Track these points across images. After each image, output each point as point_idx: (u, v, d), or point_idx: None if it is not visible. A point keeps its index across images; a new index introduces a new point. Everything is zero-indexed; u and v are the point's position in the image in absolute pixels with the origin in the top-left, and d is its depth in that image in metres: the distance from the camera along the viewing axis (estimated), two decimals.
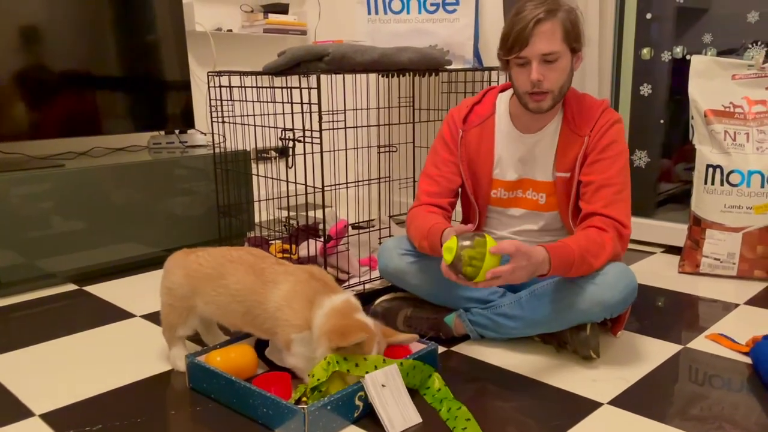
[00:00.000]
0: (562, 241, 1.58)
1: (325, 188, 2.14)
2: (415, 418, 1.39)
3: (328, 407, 1.32)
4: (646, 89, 2.83)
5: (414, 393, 1.48)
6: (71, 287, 2.39)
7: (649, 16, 2.77)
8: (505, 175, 1.80)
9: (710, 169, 2.34)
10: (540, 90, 1.62)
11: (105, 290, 2.35)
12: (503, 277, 1.45)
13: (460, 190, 1.89)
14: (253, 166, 3.11)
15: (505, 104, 1.81)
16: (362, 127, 2.34)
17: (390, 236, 2.49)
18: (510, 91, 1.81)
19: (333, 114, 2.25)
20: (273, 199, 2.81)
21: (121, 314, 2.11)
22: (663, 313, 2.03)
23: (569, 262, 1.54)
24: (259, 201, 2.73)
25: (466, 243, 1.46)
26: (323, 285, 1.49)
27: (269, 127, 2.39)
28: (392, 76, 2.42)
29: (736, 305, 2.09)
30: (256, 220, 3.00)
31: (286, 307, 1.44)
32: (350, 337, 1.36)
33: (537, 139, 1.76)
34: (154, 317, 2.05)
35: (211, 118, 2.60)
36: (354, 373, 1.37)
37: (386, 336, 1.50)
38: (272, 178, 2.60)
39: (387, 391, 1.38)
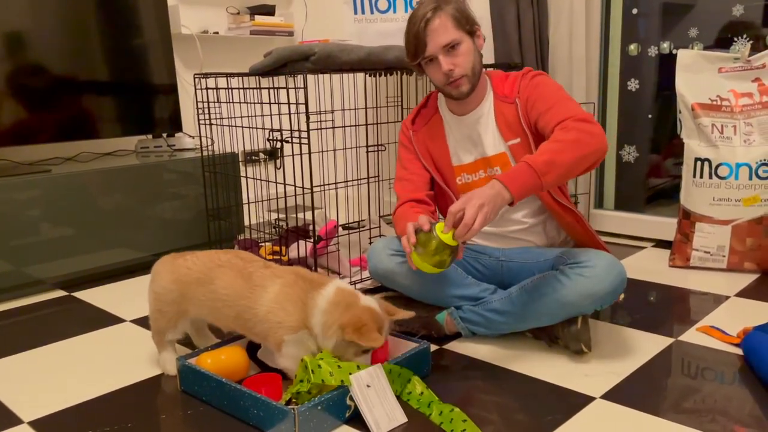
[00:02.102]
0: (525, 157, 1.55)
1: (315, 189, 2.13)
2: (401, 418, 1.38)
3: (319, 407, 1.31)
4: (633, 84, 2.83)
5: (398, 399, 1.47)
6: (60, 293, 2.37)
7: (635, 11, 2.78)
8: (462, 159, 1.86)
9: (698, 163, 2.35)
10: (454, 78, 1.71)
11: (94, 296, 2.33)
12: (463, 221, 1.44)
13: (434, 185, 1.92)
14: (242, 168, 3.10)
15: (444, 100, 1.91)
16: (350, 126, 2.33)
17: (380, 236, 2.48)
18: None
19: (321, 114, 2.24)
20: (262, 201, 2.80)
21: (110, 319, 2.09)
22: (654, 306, 2.04)
23: (528, 168, 1.50)
24: (249, 203, 2.72)
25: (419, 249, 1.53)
26: (309, 283, 1.48)
27: (257, 128, 2.37)
28: (380, 75, 2.42)
29: (727, 297, 2.09)
30: (246, 222, 2.98)
31: (278, 309, 1.44)
32: (368, 339, 1.38)
33: (476, 117, 1.83)
34: (143, 322, 2.04)
35: (199, 120, 2.59)
36: (329, 383, 1.35)
37: (389, 314, 1.49)
38: (261, 180, 2.59)
39: (372, 391, 1.37)
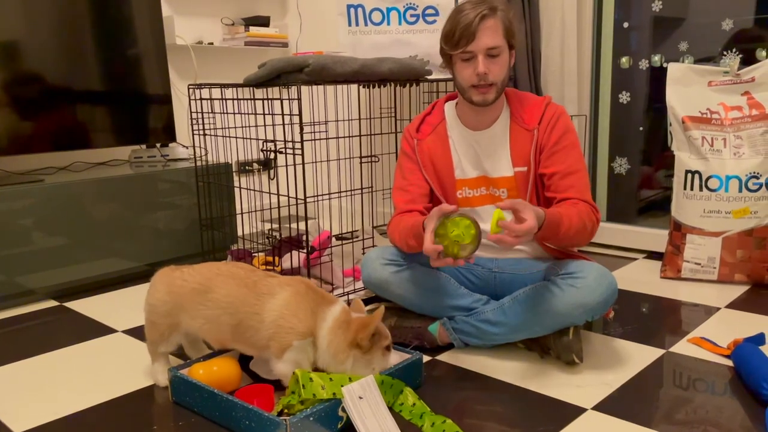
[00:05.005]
0: (557, 209, 1.64)
1: (308, 199, 2.14)
2: (394, 430, 1.38)
3: (311, 418, 1.31)
4: (624, 97, 2.86)
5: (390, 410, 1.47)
6: (52, 303, 2.36)
7: (626, 25, 2.80)
8: (466, 173, 1.85)
9: (689, 175, 2.37)
10: (486, 82, 1.70)
11: (86, 306, 2.32)
12: (511, 229, 1.46)
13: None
14: (236, 178, 3.10)
15: (453, 110, 1.89)
16: (344, 137, 2.34)
17: (373, 246, 2.49)
18: (456, 100, 1.89)
19: (315, 125, 2.25)
20: (256, 211, 2.80)
21: (102, 330, 2.08)
22: (645, 317, 2.05)
23: (554, 234, 1.60)
24: (242, 214, 2.72)
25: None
26: (321, 297, 1.50)
27: (251, 139, 2.38)
28: (373, 87, 2.43)
29: (718, 309, 2.11)
30: (239, 233, 2.98)
31: (290, 315, 1.44)
32: (375, 320, 1.44)
33: (489, 135, 1.82)
34: (136, 332, 2.04)
35: (193, 131, 2.59)
36: (320, 396, 1.35)
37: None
38: (255, 191, 2.60)
39: (364, 402, 1.37)
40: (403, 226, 1.75)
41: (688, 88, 2.42)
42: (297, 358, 1.45)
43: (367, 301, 2.07)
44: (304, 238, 2.32)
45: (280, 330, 1.44)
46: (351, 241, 2.50)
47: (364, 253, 2.29)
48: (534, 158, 1.76)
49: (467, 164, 1.85)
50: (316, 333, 1.45)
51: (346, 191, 2.34)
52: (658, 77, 2.73)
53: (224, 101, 2.44)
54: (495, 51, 1.69)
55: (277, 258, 2.37)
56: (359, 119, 2.49)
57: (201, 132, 2.59)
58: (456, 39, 1.68)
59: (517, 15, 2.71)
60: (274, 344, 1.45)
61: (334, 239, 2.69)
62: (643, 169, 2.93)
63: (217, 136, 2.55)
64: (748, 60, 2.49)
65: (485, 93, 1.72)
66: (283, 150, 2.14)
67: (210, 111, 2.53)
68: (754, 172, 2.27)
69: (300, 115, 2.05)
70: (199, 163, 2.67)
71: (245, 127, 2.34)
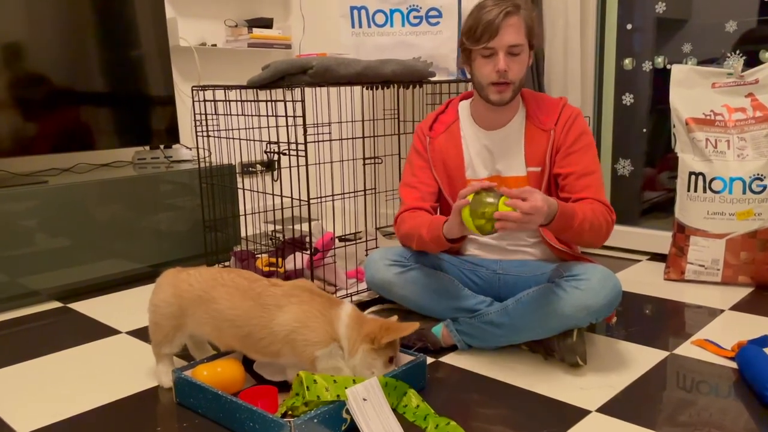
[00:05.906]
0: (570, 204, 1.64)
1: (311, 201, 2.14)
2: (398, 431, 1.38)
3: (315, 420, 1.31)
4: (628, 99, 2.86)
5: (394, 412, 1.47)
6: (56, 305, 2.36)
7: (629, 27, 2.80)
8: (477, 174, 1.85)
9: (693, 177, 2.37)
10: (505, 80, 1.69)
11: (90, 307, 2.33)
12: (516, 205, 1.46)
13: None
14: (239, 180, 3.11)
15: (467, 109, 1.89)
16: (347, 139, 2.34)
17: (376, 248, 2.49)
18: (470, 99, 1.89)
19: (318, 126, 2.25)
20: (259, 212, 2.80)
21: (106, 331, 2.09)
22: (649, 320, 2.04)
23: (568, 226, 1.60)
24: (245, 215, 2.72)
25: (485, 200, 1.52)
26: (327, 299, 1.51)
27: (254, 140, 2.38)
28: (376, 89, 2.43)
29: (722, 311, 2.10)
30: (243, 234, 2.99)
31: (301, 328, 1.45)
32: (402, 329, 1.46)
33: (503, 135, 1.82)
34: (139, 333, 2.04)
35: (196, 132, 2.60)
36: (324, 398, 1.35)
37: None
38: (258, 192, 2.60)
39: (368, 404, 1.37)
40: (418, 220, 1.76)
41: (691, 90, 2.42)
42: (328, 365, 1.45)
43: (370, 303, 2.07)
44: (308, 239, 2.32)
45: (296, 344, 1.45)
46: (354, 242, 2.50)
47: (367, 255, 2.29)
48: (549, 159, 1.76)
49: (479, 164, 1.84)
50: (337, 334, 1.46)
51: (350, 193, 2.34)
52: (661, 79, 2.73)
53: (228, 103, 2.44)
54: (516, 49, 1.68)
55: (280, 259, 2.37)
56: (362, 121, 2.49)
57: (204, 133, 2.59)
58: (478, 34, 1.67)
59: None
60: (300, 360, 1.46)
61: (337, 241, 2.69)
62: (647, 171, 2.93)
63: (220, 137, 2.56)
64: (752, 62, 2.49)
65: (502, 92, 1.71)
66: (287, 151, 2.14)
67: (213, 112, 2.53)
68: (758, 174, 2.27)
69: (303, 116, 2.05)
70: (202, 165, 2.67)
71: (248, 128, 2.35)
